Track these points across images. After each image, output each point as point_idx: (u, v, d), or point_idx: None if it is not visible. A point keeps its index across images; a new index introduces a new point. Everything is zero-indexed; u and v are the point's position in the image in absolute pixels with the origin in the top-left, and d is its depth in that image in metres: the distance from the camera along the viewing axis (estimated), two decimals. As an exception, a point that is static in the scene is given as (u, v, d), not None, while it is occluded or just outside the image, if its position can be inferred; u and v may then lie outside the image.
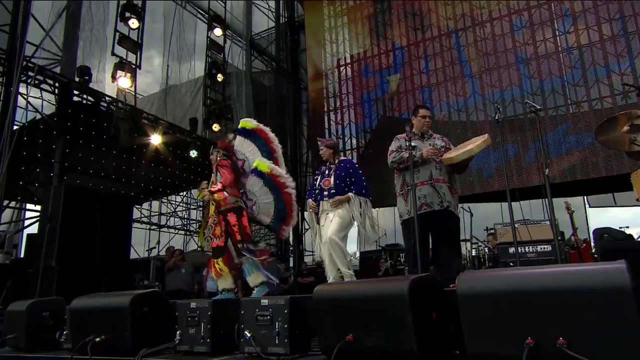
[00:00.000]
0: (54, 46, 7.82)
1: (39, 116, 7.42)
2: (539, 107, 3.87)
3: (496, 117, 4.06)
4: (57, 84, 7.50)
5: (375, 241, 12.32)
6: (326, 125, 12.69)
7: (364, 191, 4.17)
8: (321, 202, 4.21)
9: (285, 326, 2.28)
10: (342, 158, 4.45)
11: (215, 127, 10.27)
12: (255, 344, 2.33)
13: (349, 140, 12.49)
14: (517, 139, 9.68)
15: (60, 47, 7.86)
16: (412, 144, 3.89)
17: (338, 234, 4.04)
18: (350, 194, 4.12)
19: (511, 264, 6.34)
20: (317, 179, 4.39)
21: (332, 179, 4.21)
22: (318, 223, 4.23)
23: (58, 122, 7.36)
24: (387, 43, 12.09)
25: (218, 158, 4.21)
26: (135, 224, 9.76)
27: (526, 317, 1.62)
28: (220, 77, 10.92)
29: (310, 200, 4.33)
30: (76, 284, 4.92)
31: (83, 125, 7.64)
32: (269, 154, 4.31)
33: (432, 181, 3.89)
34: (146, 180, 9.94)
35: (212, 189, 4.00)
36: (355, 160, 12.11)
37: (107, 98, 8.18)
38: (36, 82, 7.25)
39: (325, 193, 4.19)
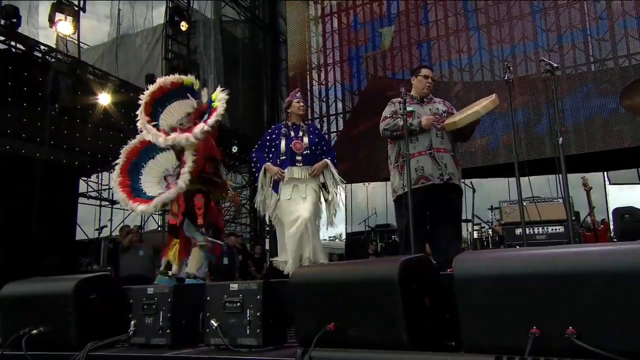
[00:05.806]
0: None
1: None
2: (556, 66, 3.86)
3: (505, 77, 4.05)
4: (-26, 27, 7.20)
5: (363, 221, 12.45)
6: (308, 87, 12.57)
7: (335, 161, 4.28)
8: (291, 167, 4.08)
9: (258, 314, 2.29)
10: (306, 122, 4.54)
11: None
12: (222, 334, 2.33)
13: (333, 104, 12.42)
14: (529, 102, 9.74)
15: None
16: (410, 108, 3.89)
17: (316, 217, 4.06)
18: (327, 160, 4.19)
19: (517, 246, 6.47)
20: (276, 140, 4.22)
21: (305, 142, 4.17)
22: (276, 192, 4.10)
23: (-21, 75, 7.12)
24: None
25: None
26: (81, 199, 9.65)
27: (531, 304, 1.64)
28: (184, 26, 10.64)
29: (274, 166, 4.13)
30: (9, 269, 4.87)
31: (12, 79, 7.36)
32: None
33: (432, 151, 3.91)
34: (93, 148, 9.74)
35: None
36: (340, 128, 12.11)
37: (42, 47, 7.91)
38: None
39: (299, 158, 4.11)
